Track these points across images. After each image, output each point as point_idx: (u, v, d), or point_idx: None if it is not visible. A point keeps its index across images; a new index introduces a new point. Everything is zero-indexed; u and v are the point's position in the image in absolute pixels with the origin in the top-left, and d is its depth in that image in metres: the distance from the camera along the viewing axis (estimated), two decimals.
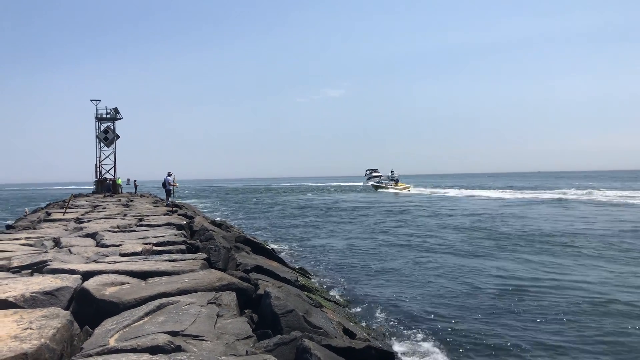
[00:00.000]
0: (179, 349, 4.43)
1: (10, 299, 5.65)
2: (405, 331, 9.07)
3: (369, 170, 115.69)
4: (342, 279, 13.75)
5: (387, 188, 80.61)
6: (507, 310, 10.17)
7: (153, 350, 4.33)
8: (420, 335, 8.80)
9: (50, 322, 4.76)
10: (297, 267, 14.53)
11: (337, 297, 11.60)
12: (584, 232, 22.03)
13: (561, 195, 50.81)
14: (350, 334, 7.15)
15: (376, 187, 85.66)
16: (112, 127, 46.30)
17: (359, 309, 10.61)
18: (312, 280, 13.26)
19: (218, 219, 26.55)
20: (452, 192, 69.40)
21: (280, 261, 13.33)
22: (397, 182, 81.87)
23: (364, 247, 19.49)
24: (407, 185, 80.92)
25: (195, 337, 4.82)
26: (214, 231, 13.59)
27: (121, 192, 44.27)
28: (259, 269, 9.23)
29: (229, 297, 6.33)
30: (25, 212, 25.34)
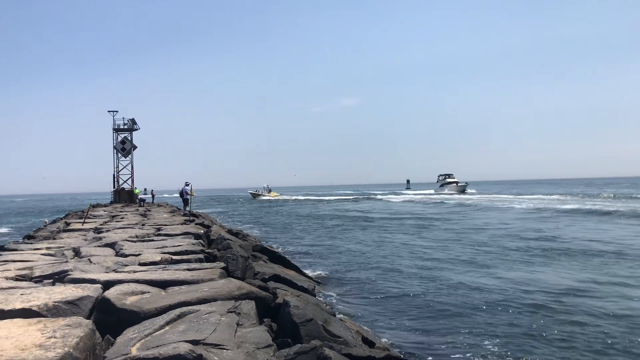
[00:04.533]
0: (200, 357, 4.44)
1: (34, 308, 5.74)
2: (425, 341, 8.95)
3: (442, 175, 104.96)
4: (355, 286, 13.64)
5: (263, 196, 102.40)
6: (529, 325, 9.68)
7: (175, 359, 4.35)
8: (439, 346, 8.67)
9: (74, 331, 4.82)
10: (313, 276, 14.52)
11: (354, 305, 11.52)
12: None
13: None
14: (370, 343, 7.12)
15: (254, 195, 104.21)
16: (129, 138, 47.03)
17: (377, 319, 10.51)
18: (328, 288, 13.23)
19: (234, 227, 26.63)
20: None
21: (297, 270, 13.34)
22: (269, 191, 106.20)
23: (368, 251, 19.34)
24: (277, 194, 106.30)
25: (216, 345, 4.84)
26: (231, 240, 13.66)
27: (139, 202, 44.77)
28: (276, 278, 9.24)
29: (248, 306, 6.34)
30: (45, 222, 25.75)
